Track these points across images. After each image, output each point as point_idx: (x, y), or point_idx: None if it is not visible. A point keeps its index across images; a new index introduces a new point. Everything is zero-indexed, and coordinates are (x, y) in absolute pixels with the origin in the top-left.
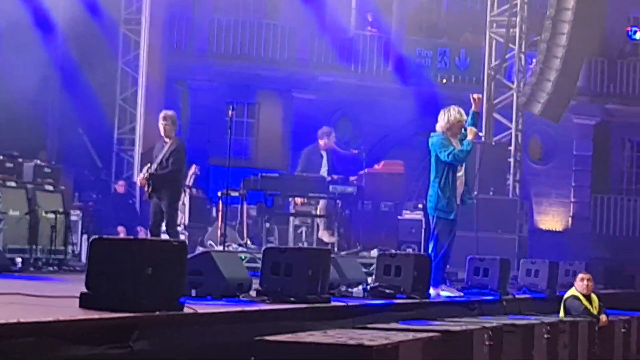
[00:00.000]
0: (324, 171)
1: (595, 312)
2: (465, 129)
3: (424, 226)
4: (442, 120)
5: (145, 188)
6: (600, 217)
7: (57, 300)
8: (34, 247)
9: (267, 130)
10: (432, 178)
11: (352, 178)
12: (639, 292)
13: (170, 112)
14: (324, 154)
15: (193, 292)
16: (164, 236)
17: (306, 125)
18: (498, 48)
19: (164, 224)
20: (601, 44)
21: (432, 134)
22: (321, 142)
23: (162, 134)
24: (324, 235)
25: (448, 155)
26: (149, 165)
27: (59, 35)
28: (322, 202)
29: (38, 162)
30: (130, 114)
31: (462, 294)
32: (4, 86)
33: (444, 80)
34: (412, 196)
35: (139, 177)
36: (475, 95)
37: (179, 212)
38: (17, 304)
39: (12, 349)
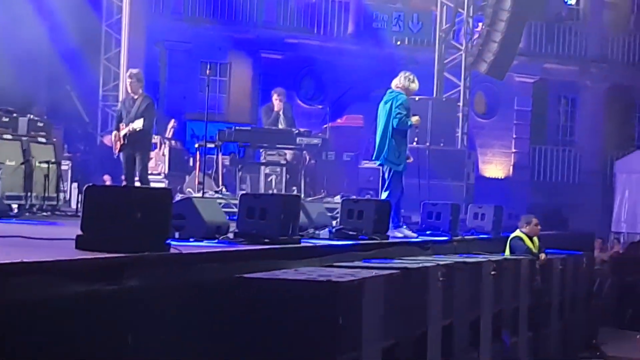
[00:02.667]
0: (282, 126)
1: (536, 251)
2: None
3: (380, 174)
4: (405, 82)
5: (118, 144)
6: (538, 166)
7: (55, 242)
8: (29, 194)
9: (238, 87)
10: (384, 131)
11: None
12: (573, 234)
13: (135, 70)
14: (280, 111)
15: (177, 235)
16: (137, 183)
17: (273, 83)
18: (448, 12)
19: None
20: (540, 9)
21: (397, 93)
22: (274, 101)
23: (129, 90)
24: None
25: (400, 117)
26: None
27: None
28: (289, 153)
29: (31, 116)
30: (114, 73)
31: (416, 235)
32: None
33: (399, 42)
34: (370, 147)
35: (114, 134)
36: (415, 118)
37: (152, 161)
38: (19, 245)
39: (17, 286)
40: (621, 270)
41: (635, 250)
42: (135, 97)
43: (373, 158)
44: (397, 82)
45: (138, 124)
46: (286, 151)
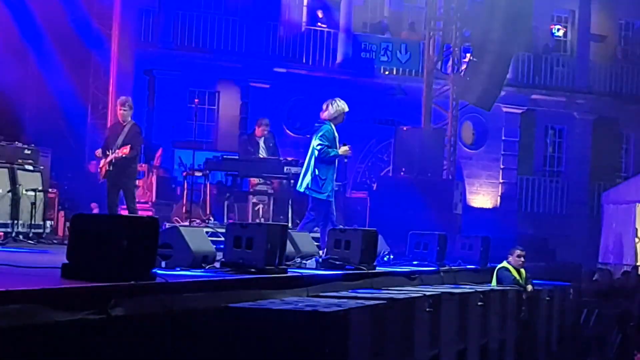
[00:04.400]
0: (262, 155)
1: (522, 282)
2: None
3: (368, 204)
4: (330, 110)
5: (104, 170)
6: (525, 196)
7: (41, 270)
8: (15, 221)
9: (226, 116)
10: (308, 161)
11: None
12: (560, 265)
13: (125, 98)
14: (260, 140)
15: (163, 264)
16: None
17: (261, 112)
18: (436, 43)
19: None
20: (528, 40)
21: (321, 124)
22: (258, 130)
23: (120, 117)
24: None
25: (321, 148)
26: (109, 150)
27: (37, 30)
28: (276, 182)
29: (19, 144)
30: (102, 101)
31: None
32: None
33: (387, 72)
34: (357, 177)
35: (102, 162)
36: (343, 149)
37: (139, 190)
38: (5, 273)
39: (2, 314)
40: (608, 302)
41: (622, 282)
42: (124, 124)
43: (297, 187)
44: (322, 114)
45: (124, 151)
46: (273, 180)
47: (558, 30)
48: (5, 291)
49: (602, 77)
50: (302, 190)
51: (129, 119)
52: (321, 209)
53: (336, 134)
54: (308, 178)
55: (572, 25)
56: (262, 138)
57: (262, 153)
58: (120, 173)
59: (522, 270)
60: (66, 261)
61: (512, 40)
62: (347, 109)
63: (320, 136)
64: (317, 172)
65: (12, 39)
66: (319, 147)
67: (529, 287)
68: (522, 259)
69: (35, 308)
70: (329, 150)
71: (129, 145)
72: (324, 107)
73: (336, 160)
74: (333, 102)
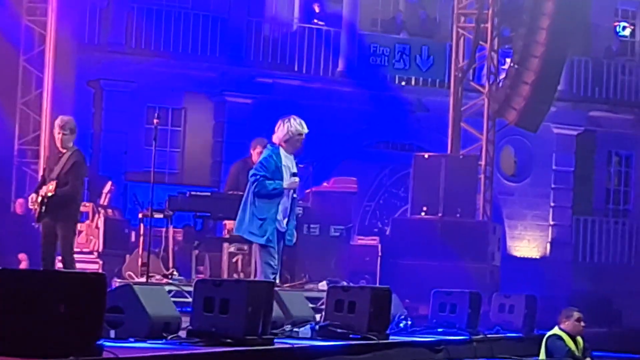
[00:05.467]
0: None
1: (579, 354)
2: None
3: (379, 254)
4: (280, 131)
5: (36, 209)
6: (583, 242)
7: None
8: None
9: (195, 140)
10: (245, 197)
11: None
12: (628, 331)
13: (66, 118)
14: None
15: (112, 333)
16: (58, 265)
17: (241, 134)
18: (466, 45)
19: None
20: (585, 42)
21: (266, 150)
22: (254, 154)
23: (58, 143)
24: None
25: (254, 179)
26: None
27: None
28: None
29: None
30: (34, 121)
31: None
32: None
33: (403, 83)
34: (365, 218)
35: (31, 197)
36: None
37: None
38: None
39: None
40: None
41: None
42: (63, 151)
43: (234, 230)
44: (274, 136)
45: (49, 188)
46: None
47: (624, 28)
48: None
49: None
50: (241, 234)
51: (70, 144)
52: (265, 256)
53: (287, 162)
54: (245, 219)
55: None
56: None
57: None
58: (56, 215)
59: (579, 338)
60: None
61: (564, 42)
62: (304, 131)
63: (257, 166)
64: (254, 210)
65: None
66: (251, 179)
67: None
68: (582, 323)
69: None
70: (266, 182)
71: (55, 182)
72: (276, 127)
73: (286, 195)
74: (286, 121)
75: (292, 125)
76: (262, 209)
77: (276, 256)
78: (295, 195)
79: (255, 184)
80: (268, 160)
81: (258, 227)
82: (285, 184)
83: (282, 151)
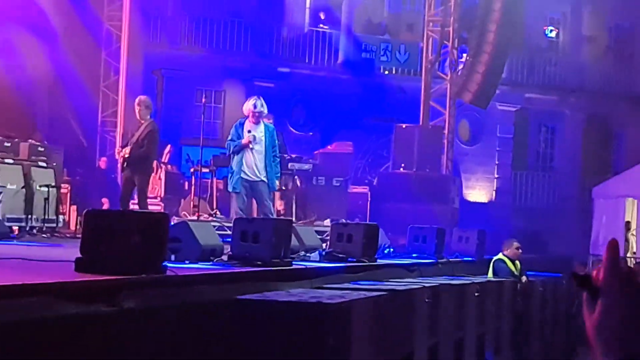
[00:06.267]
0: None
1: (517, 273)
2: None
3: (369, 199)
4: (244, 107)
5: (120, 166)
6: (519, 190)
7: (55, 264)
8: (29, 216)
9: (231, 114)
10: None
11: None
12: (553, 257)
13: (143, 97)
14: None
15: (172, 257)
16: (134, 207)
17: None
18: (434, 44)
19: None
20: (522, 41)
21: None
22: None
23: (137, 116)
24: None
25: (227, 144)
26: (125, 144)
27: (50, 30)
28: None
29: (32, 142)
30: (112, 100)
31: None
32: (2, 78)
33: (386, 72)
34: (358, 172)
35: (119, 152)
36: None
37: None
38: (20, 267)
39: (18, 307)
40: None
41: None
42: (141, 122)
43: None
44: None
45: (121, 154)
46: None
47: (551, 31)
48: (22, 284)
49: (593, 77)
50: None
51: (147, 117)
52: (235, 200)
53: (252, 128)
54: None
55: (564, 26)
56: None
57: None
58: (134, 169)
59: (517, 262)
60: (79, 255)
61: (507, 41)
62: (251, 108)
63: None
64: (231, 167)
65: (27, 40)
66: (226, 143)
67: (524, 279)
68: (519, 250)
69: (50, 300)
70: (230, 143)
71: (134, 145)
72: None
73: (245, 153)
74: (249, 100)
75: (249, 104)
76: (233, 164)
77: (245, 199)
78: (251, 147)
79: (227, 144)
80: (235, 129)
81: (229, 178)
82: (242, 142)
83: (247, 121)
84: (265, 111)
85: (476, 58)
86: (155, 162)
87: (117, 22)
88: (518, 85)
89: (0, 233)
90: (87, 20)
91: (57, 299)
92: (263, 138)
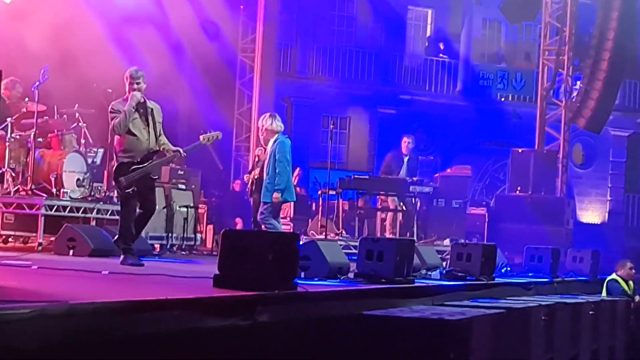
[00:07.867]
0: (403, 173)
1: (631, 293)
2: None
3: (486, 220)
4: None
5: (249, 187)
6: (632, 212)
7: (195, 280)
8: (170, 235)
9: (356, 139)
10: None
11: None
12: None
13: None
14: (405, 158)
15: (303, 275)
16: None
17: (388, 135)
18: (549, 72)
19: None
20: (635, 68)
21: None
22: (402, 144)
23: (262, 142)
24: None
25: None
26: (253, 168)
27: (189, 63)
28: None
29: (173, 166)
30: (246, 126)
31: None
32: None
33: (503, 99)
34: (475, 194)
35: (246, 176)
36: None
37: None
38: (164, 282)
39: (161, 320)
40: None
41: None
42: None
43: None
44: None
45: (249, 177)
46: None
47: None
48: (165, 299)
49: None
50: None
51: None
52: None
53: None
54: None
55: None
56: (407, 157)
57: (404, 171)
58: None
59: (631, 282)
60: (217, 272)
61: (620, 69)
62: (272, 128)
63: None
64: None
65: (168, 73)
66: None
67: (637, 298)
68: (633, 271)
69: (190, 314)
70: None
71: (261, 168)
72: (266, 121)
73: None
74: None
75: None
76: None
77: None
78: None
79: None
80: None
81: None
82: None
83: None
84: None
85: (590, 85)
86: None
87: (250, 53)
88: (631, 111)
89: (143, 250)
90: (222, 53)
91: (197, 312)
92: None
